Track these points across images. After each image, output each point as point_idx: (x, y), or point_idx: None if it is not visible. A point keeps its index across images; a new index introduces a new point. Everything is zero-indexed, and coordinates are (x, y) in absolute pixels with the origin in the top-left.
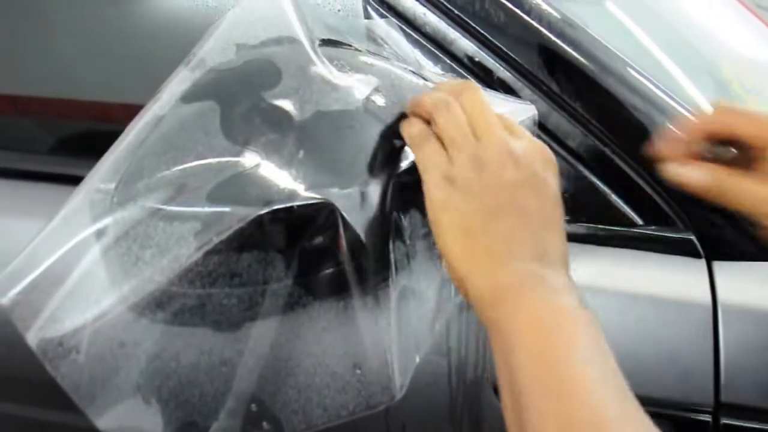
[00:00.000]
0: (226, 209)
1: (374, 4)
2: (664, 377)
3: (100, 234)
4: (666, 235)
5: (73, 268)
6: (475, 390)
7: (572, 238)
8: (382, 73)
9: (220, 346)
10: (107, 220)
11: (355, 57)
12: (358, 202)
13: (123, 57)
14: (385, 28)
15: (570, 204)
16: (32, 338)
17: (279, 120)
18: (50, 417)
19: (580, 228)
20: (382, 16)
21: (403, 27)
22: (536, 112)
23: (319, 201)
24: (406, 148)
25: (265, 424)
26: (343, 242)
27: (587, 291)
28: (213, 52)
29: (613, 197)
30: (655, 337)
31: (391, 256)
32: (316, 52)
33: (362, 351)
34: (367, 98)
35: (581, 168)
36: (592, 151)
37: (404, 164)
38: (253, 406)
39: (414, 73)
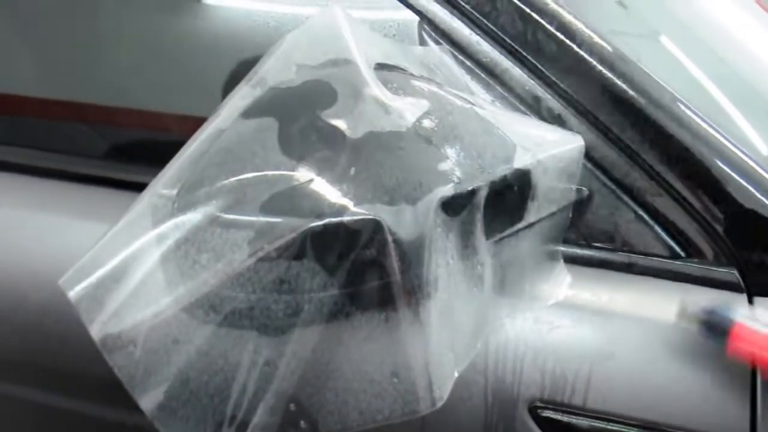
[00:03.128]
0: (279, 220)
1: (429, 30)
2: (700, 409)
3: (160, 237)
4: (708, 268)
5: (135, 269)
6: (510, 410)
7: (613, 266)
8: (434, 97)
9: (265, 348)
10: (168, 224)
11: (408, 81)
12: (405, 219)
13: (181, 69)
14: (439, 54)
15: (613, 232)
16: (95, 331)
17: (333, 138)
18: (101, 412)
19: (621, 256)
20: (436, 42)
21: (457, 54)
22: (583, 142)
23: (368, 216)
24: (450, 169)
25: (302, 423)
26: (389, 257)
27: (626, 319)
28: (273, 71)
29: (657, 229)
30: (692, 369)
31: (433, 273)
32: (370, 75)
33: (400, 361)
34: (418, 121)
35: (625, 198)
36: (637, 182)
37: (449, 187)
38: (292, 406)
39: (464, 99)
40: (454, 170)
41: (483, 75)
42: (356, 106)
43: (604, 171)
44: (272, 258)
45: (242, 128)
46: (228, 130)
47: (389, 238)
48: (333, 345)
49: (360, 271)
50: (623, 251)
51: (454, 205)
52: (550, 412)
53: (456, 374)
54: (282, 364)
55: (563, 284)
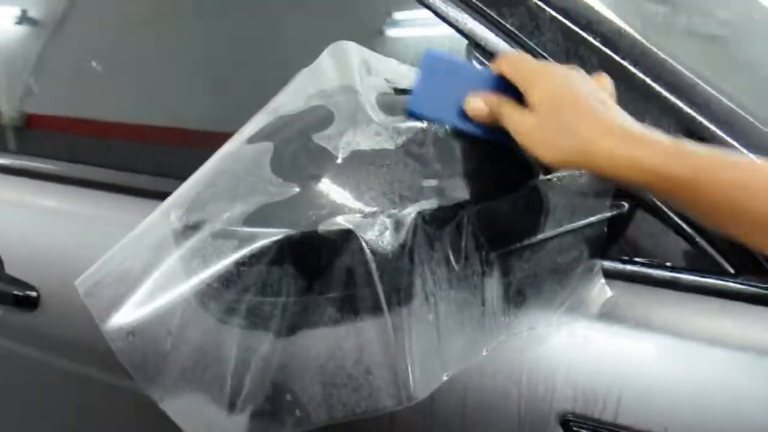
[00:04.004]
0: (261, 230)
1: (475, 53)
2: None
3: (162, 247)
4: (760, 285)
5: (143, 270)
6: (542, 423)
7: (656, 282)
8: None
9: (259, 343)
10: (175, 235)
11: None
12: (381, 230)
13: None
14: None
15: (655, 247)
16: (102, 323)
17: (321, 158)
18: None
19: (664, 272)
20: (484, 66)
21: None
22: None
23: (342, 227)
24: (436, 187)
25: (297, 412)
26: (363, 265)
27: (664, 335)
28: (285, 101)
29: (702, 244)
30: (743, 390)
31: (410, 281)
32: (369, 101)
33: (373, 361)
34: (411, 141)
35: (668, 212)
36: None
37: (431, 202)
38: (288, 396)
39: None
40: (443, 186)
41: None
42: (348, 129)
43: None
44: (252, 264)
45: (244, 152)
46: (232, 154)
47: (364, 247)
48: (317, 343)
49: (336, 277)
50: (666, 267)
51: (439, 219)
52: (582, 426)
53: (444, 377)
54: (275, 358)
55: (601, 298)
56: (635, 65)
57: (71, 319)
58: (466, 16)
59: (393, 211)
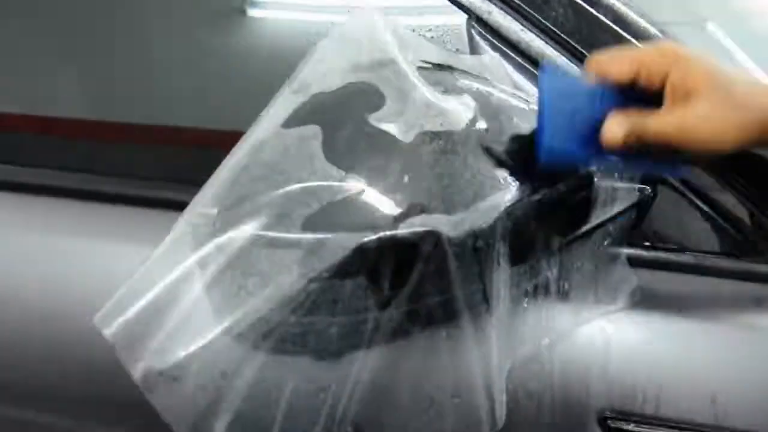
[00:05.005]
0: (329, 236)
1: (479, 29)
2: None
3: (202, 262)
4: None
5: (176, 299)
6: (578, 422)
7: (680, 267)
8: (485, 97)
9: (320, 374)
10: (209, 247)
11: (456, 81)
12: (464, 229)
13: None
14: (491, 61)
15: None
16: (135, 370)
17: (384, 144)
18: None
19: (688, 257)
20: (485, 39)
21: (508, 52)
22: None
23: (425, 228)
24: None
25: None
26: (449, 270)
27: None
28: (313, 76)
29: (725, 225)
30: None
31: (494, 285)
32: (416, 76)
33: (461, 380)
34: (470, 123)
35: (691, 195)
36: (704, 179)
37: (510, 193)
38: (349, 429)
39: (520, 98)
40: (513, 173)
41: (536, 72)
42: (405, 109)
43: None
44: (324, 278)
45: (284, 138)
46: (269, 141)
47: (449, 251)
48: (392, 366)
49: (419, 286)
50: (690, 251)
51: (514, 212)
52: (621, 422)
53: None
54: (339, 389)
55: (629, 289)
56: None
57: None
58: None
59: (475, 206)
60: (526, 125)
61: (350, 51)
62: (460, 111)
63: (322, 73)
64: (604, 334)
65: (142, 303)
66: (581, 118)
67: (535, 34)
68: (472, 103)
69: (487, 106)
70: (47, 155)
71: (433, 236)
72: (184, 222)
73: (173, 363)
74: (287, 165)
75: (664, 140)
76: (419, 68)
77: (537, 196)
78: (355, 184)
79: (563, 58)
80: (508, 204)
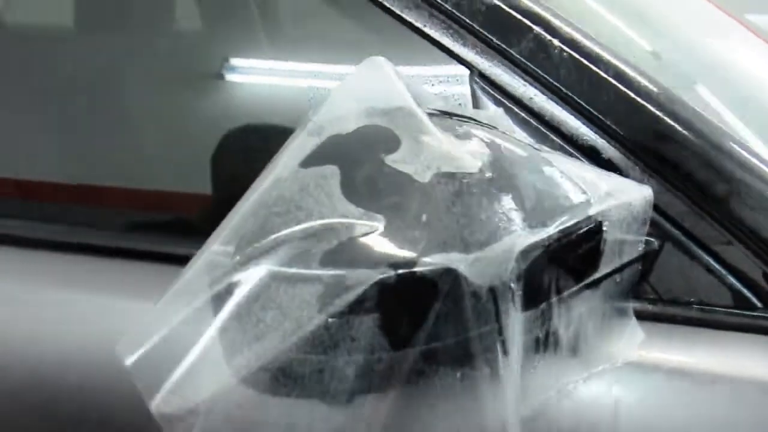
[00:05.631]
0: (349, 271)
1: (481, 83)
2: None
3: (218, 297)
4: None
5: (193, 333)
6: None
7: (686, 321)
8: (496, 143)
9: (333, 417)
10: (227, 281)
11: (466, 127)
12: (480, 268)
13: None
14: (493, 114)
15: (685, 285)
16: (155, 407)
17: (401, 183)
18: None
19: (695, 311)
20: (489, 96)
21: (511, 106)
22: (651, 193)
23: (444, 266)
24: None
25: None
26: (467, 310)
27: (705, 377)
28: (329, 119)
29: (731, 279)
30: None
31: (510, 327)
32: (428, 121)
33: (476, 424)
34: (483, 167)
35: (695, 249)
36: (706, 231)
37: (525, 235)
38: None
39: (529, 145)
40: (526, 218)
41: (539, 126)
42: (420, 151)
43: (672, 221)
44: (343, 314)
45: (303, 177)
46: (288, 179)
47: (467, 290)
48: (405, 408)
49: (436, 325)
50: (697, 305)
51: (528, 256)
52: None
53: None
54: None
55: (635, 342)
56: (648, 102)
57: None
58: (467, 45)
59: (491, 247)
60: (535, 173)
61: (363, 96)
62: (473, 155)
63: (336, 117)
64: (612, 390)
65: (159, 335)
66: None
67: (538, 89)
68: (484, 149)
69: (498, 153)
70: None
71: (451, 274)
72: (201, 260)
73: (187, 401)
74: (306, 202)
75: None
76: (429, 114)
77: (549, 242)
78: (372, 222)
79: (565, 113)
80: (522, 247)
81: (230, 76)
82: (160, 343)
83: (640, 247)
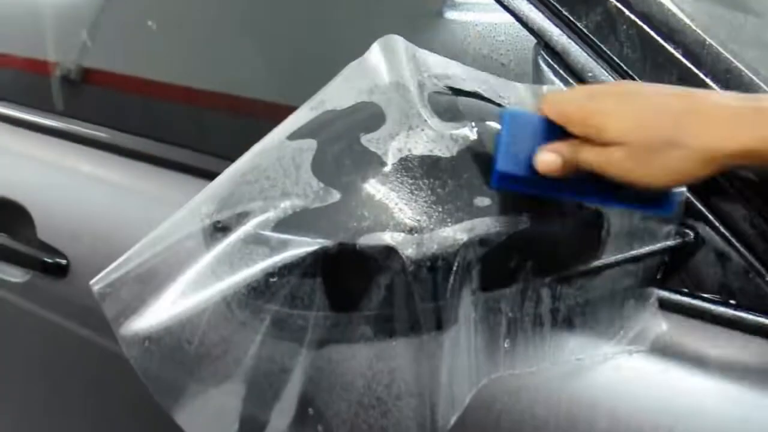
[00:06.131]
0: (294, 237)
1: (545, 55)
2: None
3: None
4: None
5: (164, 275)
6: None
7: (716, 319)
8: (491, 126)
9: (283, 355)
10: (198, 237)
11: (472, 108)
12: (427, 252)
13: None
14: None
15: (721, 283)
16: (115, 326)
17: (368, 163)
18: None
19: (726, 310)
20: (550, 66)
21: (571, 80)
22: (685, 190)
23: (385, 243)
24: (489, 206)
25: (319, 427)
26: (401, 285)
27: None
28: (331, 95)
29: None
30: None
31: (452, 304)
32: (421, 100)
33: (405, 387)
34: (463, 150)
35: (740, 247)
36: (755, 229)
37: (483, 224)
38: (310, 410)
39: None
40: (494, 204)
41: None
42: (400, 131)
43: (715, 212)
44: (283, 275)
45: (283, 149)
46: (271, 150)
47: (404, 267)
48: (347, 360)
49: (372, 296)
50: (730, 304)
51: (490, 243)
52: None
53: (466, 402)
54: (299, 371)
55: (654, 331)
56: (717, 82)
57: None
58: (536, 11)
59: (442, 230)
60: None
61: (370, 73)
62: (455, 139)
63: (339, 93)
64: (619, 372)
65: (135, 270)
66: (531, 147)
67: (600, 64)
68: (472, 134)
69: (485, 137)
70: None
71: (390, 252)
72: (183, 213)
73: (147, 325)
74: (275, 173)
75: (598, 171)
76: (435, 93)
77: (518, 228)
78: (329, 196)
79: None
80: (480, 232)
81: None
82: (131, 276)
83: (669, 238)
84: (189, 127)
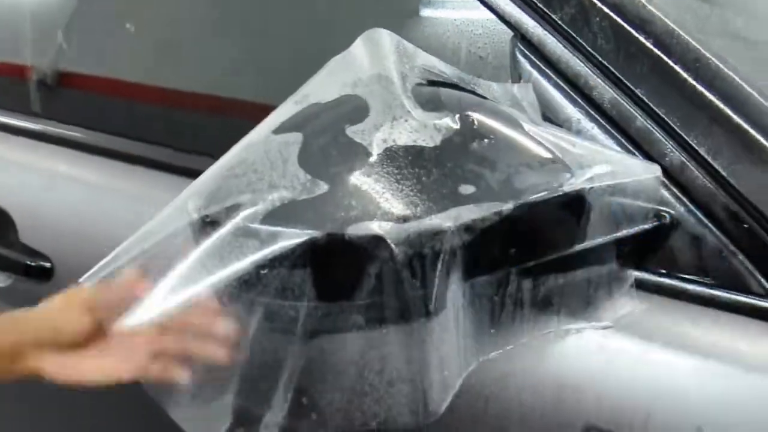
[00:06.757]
0: (283, 229)
1: (521, 47)
2: None
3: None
4: None
5: (154, 272)
6: None
7: (691, 298)
8: (479, 116)
9: (276, 346)
10: (187, 232)
11: (453, 99)
12: (411, 237)
13: None
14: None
15: (698, 265)
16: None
17: (353, 154)
18: None
19: (700, 288)
20: (527, 58)
21: (547, 70)
22: (659, 173)
23: (372, 233)
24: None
25: (312, 415)
26: (389, 274)
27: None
28: (316, 88)
29: (743, 260)
30: None
31: (439, 291)
32: (405, 91)
33: (396, 373)
34: (446, 139)
35: (713, 228)
36: (727, 211)
37: (468, 210)
38: (304, 399)
39: (519, 120)
40: (478, 191)
41: (572, 93)
42: (384, 122)
43: (690, 196)
44: (274, 266)
45: (270, 142)
46: (257, 144)
47: (393, 255)
48: (338, 348)
49: (361, 285)
50: (704, 283)
51: (474, 229)
52: None
53: (457, 387)
54: (291, 362)
55: (633, 310)
56: (687, 70)
57: None
58: (512, 5)
59: (428, 218)
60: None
61: (354, 67)
62: (439, 129)
63: (323, 86)
64: (602, 354)
65: (125, 267)
66: None
67: (575, 55)
68: (455, 124)
69: (467, 127)
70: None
71: (379, 241)
72: (171, 209)
73: (146, 321)
74: (263, 166)
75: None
76: (418, 85)
77: (502, 214)
78: (317, 187)
79: (599, 80)
80: (465, 219)
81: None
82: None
83: (647, 222)
84: (166, 127)
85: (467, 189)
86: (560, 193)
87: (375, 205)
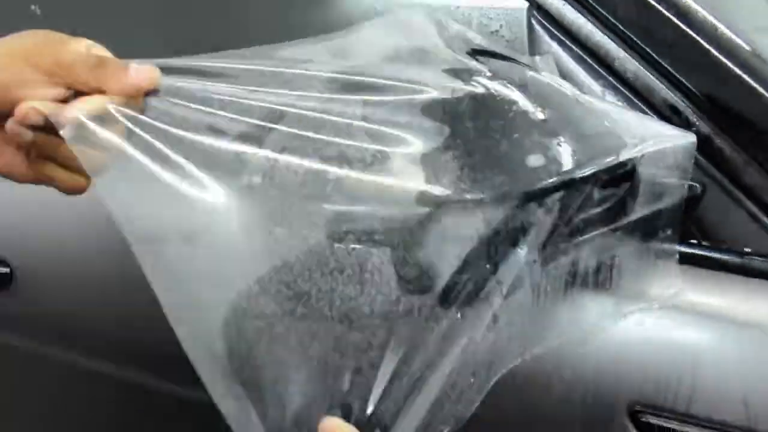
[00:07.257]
0: (363, 207)
1: (539, 17)
2: None
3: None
4: None
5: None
6: (609, 413)
7: (726, 266)
8: (534, 84)
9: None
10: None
11: (507, 67)
12: (496, 213)
13: None
14: (539, 61)
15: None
16: None
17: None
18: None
19: (734, 257)
20: (545, 29)
21: (567, 42)
22: (695, 139)
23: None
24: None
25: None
26: (482, 252)
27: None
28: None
29: None
30: None
31: (519, 270)
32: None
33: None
34: (516, 107)
35: (740, 195)
36: (753, 178)
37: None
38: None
39: (569, 88)
40: (550, 161)
41: (594, 64)
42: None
43: (718, 166)
44: (351, 240)
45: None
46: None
47: (482, 234)
48: (408, 340)
49: (448, 266)
50: (737, 252)
51: (547, 200)
52: (652, 417)
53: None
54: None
55: (673, 285)
56: (709, 42)
57: (50, 300)
58: None
59: (508, 189)
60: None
61: (395, 32)
62: (506, 93)
63: (366, 45)
64: (642, 328)
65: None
66: None
67: (596, 25)
68: (518, 91)
69: (535, 93)
70: None
71: (471, 219)
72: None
73: None
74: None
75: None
76: (467, 54)
77: (572, 185)
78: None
79: (621, 51)
80: (543, 187)
81: None
82: None
83: (683, 191)
84: None
85: (537, 160)
86: (618, 162)
87: (460, 179)
